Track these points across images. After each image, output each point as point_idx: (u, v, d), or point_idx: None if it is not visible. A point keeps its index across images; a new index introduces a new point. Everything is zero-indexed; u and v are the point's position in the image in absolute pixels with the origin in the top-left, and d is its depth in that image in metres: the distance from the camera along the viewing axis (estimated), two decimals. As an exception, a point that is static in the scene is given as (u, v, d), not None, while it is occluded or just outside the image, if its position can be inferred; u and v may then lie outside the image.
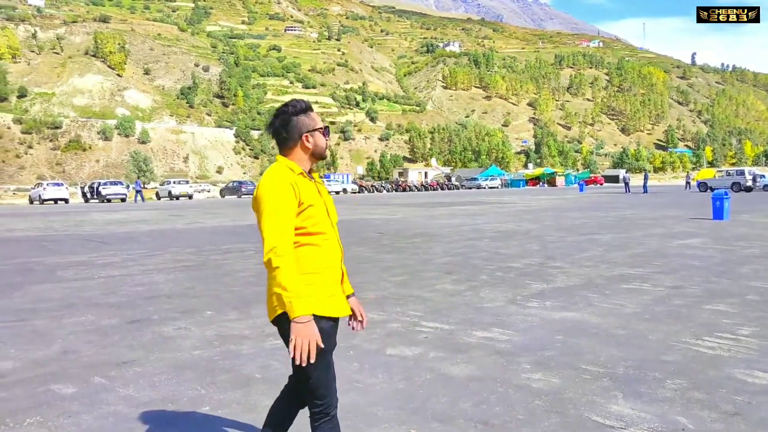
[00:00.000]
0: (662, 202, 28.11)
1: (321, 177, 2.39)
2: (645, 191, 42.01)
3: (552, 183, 76.31)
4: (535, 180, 78.53)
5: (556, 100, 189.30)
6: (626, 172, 77.00)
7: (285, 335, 2.10)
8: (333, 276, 2.21)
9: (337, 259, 2.24)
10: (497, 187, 68.10)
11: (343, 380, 3.59)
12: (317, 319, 2.08)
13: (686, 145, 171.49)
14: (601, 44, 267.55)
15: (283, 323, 2.10)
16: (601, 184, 76.04)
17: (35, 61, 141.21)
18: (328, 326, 2.14)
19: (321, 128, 2.27)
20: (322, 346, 2.04)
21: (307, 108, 2.28)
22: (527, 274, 7.63)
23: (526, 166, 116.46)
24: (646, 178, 45.67)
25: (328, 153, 2.26)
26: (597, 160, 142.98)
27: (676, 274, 7.40)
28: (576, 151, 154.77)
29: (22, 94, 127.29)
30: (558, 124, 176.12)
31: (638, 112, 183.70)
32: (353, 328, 2.36)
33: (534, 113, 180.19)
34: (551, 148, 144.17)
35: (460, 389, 3.47)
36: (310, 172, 2.29)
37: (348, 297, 2.31)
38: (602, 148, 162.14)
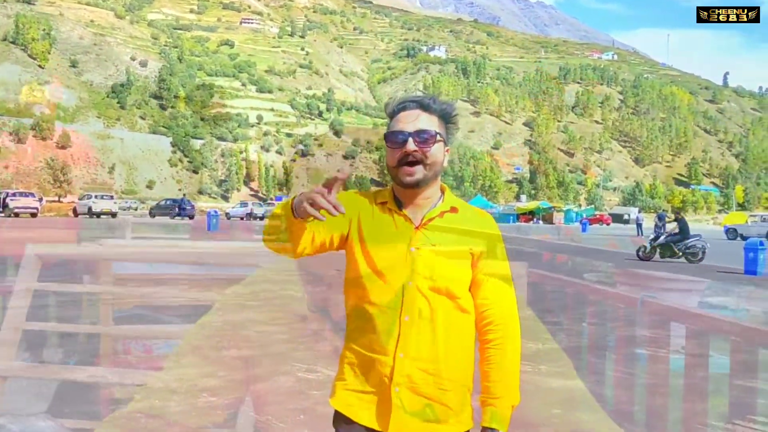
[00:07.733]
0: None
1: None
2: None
3: (548, 219, 76.55)
4: (529, 215, 78.51)
5: (558, 121, 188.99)
6: (639, 211, 77.56)
7: None
8: (372, 373, 1.84)
9: (383, 349, 1.81)
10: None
11: None
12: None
13: (712, 182, 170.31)
14: (615, 57, 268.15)
15: None
16: (608, 224, 76.77)
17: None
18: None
19: (394, 133, 1.90)
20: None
21: (395, 106, 1.95)
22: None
23: (518, 198, 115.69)
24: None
25: (408, 177, 1.86)
26: (604, 194, 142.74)
27: (700, 339, 7.31)
28: (579, 183, 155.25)
29: None
30: (559, 149, 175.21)
31: (656, 140, 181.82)
32: None
33: (531, 135, 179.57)
34: (549, 177, 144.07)
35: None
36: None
37: None
38: (611, 180, 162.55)
